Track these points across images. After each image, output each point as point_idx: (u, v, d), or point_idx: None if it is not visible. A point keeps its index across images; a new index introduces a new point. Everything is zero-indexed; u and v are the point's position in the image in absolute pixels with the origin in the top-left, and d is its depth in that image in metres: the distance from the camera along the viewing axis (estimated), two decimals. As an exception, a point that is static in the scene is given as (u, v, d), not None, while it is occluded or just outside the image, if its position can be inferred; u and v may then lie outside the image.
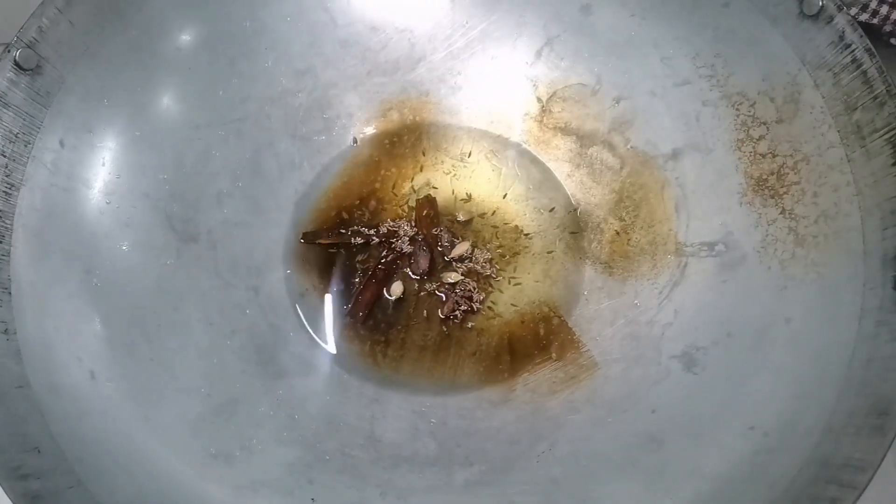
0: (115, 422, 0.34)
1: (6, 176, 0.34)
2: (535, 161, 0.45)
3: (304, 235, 0.44)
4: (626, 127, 0.44)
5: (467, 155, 0.46)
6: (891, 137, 0.33)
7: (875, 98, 0.34)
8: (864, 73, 0.34)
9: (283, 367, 0.40)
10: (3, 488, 0.27)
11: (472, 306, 0.42)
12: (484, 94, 0.46)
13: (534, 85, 0.46)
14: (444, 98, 0.46)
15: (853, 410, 0.30)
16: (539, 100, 0.46)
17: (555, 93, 0.45)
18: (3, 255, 0.34)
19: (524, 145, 0.46)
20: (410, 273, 0.43)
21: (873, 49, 0.34)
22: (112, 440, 0.33)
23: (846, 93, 0.35)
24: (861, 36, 0.34)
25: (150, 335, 0.38)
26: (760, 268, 0.38)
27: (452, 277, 0.42)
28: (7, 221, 0.34)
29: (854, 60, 0.35)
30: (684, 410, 0.36)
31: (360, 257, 0.43)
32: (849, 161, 0.35)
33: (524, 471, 0.36)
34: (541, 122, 0.46)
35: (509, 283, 0.43)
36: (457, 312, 0.42)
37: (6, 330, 0.32)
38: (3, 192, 0.34)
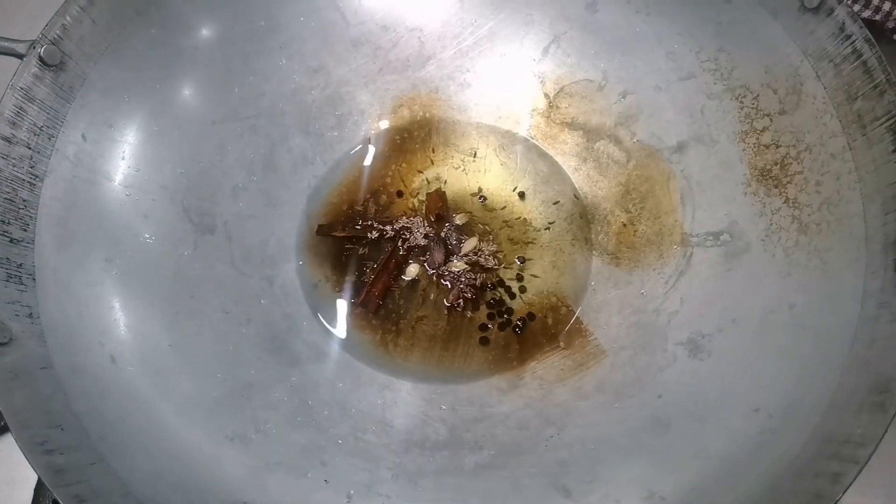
0: (135, 403, 0.35)
1: (31, 167, 0.36)
2: (542, 155, 0.46)
3: (319, 228, 0.45)
4: (632, 121, 0.45)
5: (472, 154, 0.47)
6: (891, 125, 0.34)
7: (875, 87, 0.35)
8: (865, 63, 0.35)
9: (297, 355, 0.41)
10: (29, 462, 0.28)
11: (475, 296, 0.43)
12: (492, 91, 0.47)
13: (541, 81, 0.47)
14: (454, 95, 0.47)
15: (855, 389, 0.30)
16: (546, 96, 0.47)
17: (562, 89, 0.46)
18: (28, 243, 0.35)
19: (532, 140, 0.47)
20: (427, 268, 0.44)
21: (873, 39, 0.35)
22: (132, 420, 0.34)
23: (847, 83, 0.36)
24: (861, 27, 0.35)
25: (169, 322, 0.39)
26: (765, 256, 0.38)
27: (458, 267, 0.43)
28: (32, 210, 0.35)
29: (854, 51, 0.35)
30: (690, 395, 0.37)
31: (363, 251, 0.44)
32: (850, 149, 0.36)
33: (532, 454, 0.37)
34: (548, 117, 0.47)
35: (518, 279, 0.44)
36: (460, 300, 0.42)
37: (31, 314, 0.34)
38: (29, 182, 0.36)
